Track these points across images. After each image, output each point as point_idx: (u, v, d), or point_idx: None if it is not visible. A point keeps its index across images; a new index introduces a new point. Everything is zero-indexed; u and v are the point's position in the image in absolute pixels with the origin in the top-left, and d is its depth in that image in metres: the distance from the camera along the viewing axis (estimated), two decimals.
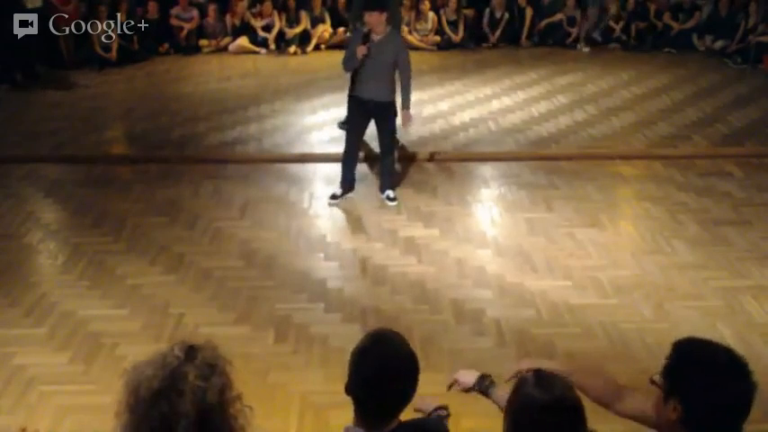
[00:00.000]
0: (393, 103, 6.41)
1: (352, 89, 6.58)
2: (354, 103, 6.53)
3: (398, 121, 6.54)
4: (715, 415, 1.95)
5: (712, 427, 1.97)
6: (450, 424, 2.47)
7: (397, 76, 6.34)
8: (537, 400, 2.01)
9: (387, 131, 6.53)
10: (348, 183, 6.65)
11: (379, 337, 2.23)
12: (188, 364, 1.83)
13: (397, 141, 7.14)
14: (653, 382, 2.04)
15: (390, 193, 6.65)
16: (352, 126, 6.62)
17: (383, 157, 6.69)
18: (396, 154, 6.89)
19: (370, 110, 6.38)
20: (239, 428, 1.88)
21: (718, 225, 6.22)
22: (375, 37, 6.16)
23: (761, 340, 4.70)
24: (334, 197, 6.63)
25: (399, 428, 2.22)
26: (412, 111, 6.57)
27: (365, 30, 6.19)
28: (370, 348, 2.18)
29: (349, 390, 2.16)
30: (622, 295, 5.22)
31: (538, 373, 2.10)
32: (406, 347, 2.21)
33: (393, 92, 6.39)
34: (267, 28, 11.99)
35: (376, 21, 6.13)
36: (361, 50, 6.13)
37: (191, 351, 1.86)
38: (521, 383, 2.10)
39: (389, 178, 6.70)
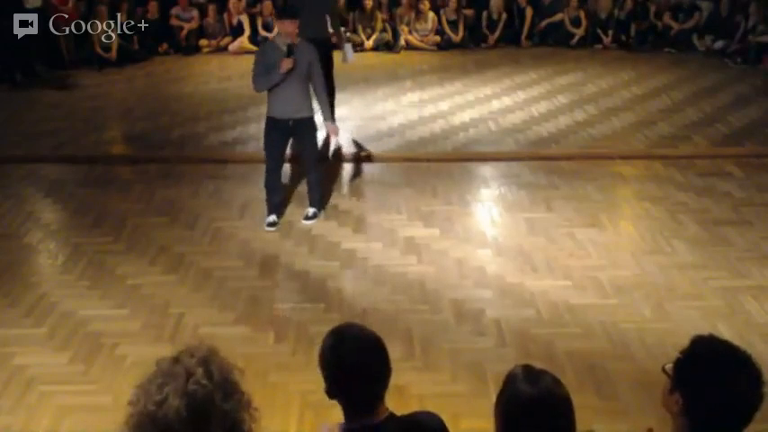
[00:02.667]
0: (313, 118, 6.06)
1: (268, 109, 6.01)
2: (271, 123, 6.01)
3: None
4: (713, 414, 1.96)
5: (709, 426, 1.98)
6: (450, 424, 2.47)
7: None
8: (525, 393, 2.04)
9: (310, 147, 6.19)
10: (275, 206, 6.21)
11: (340, 328, 2.34)
12: (209, 383, 1.80)
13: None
14: (664, 370, 2.06)
15: (311, 210, 6.29)
16: (271, 149, 6.10)
17: (308, 173, 6.31)
18: (321, 169, 6.38)
19: (288, 129, 5.99)
20: (248, 431, 1.89)
21: (718, 225, 6.22)
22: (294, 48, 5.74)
23: (761, 340, 4.69)
24: (272, 224, 6.16)
25: (391, 420, 2.23)
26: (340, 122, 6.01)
27: (288, 42, 5.73)
28: (340, 339, 2.27)
29: (332, 387, 2.22)
30: (622, 295, 5.22)
31: (526, 367, 2.12)
32: (366, 329, 2.32)
33: (312, 106, 6.02)
34: (267, 27, 11.99)
35: (293, 29, 5.73)
36: (287, 63, 5.68)
37: (207, 368, 1.83)
38: (509, 378, 2.12)
39: (316, 194, 6.33)
